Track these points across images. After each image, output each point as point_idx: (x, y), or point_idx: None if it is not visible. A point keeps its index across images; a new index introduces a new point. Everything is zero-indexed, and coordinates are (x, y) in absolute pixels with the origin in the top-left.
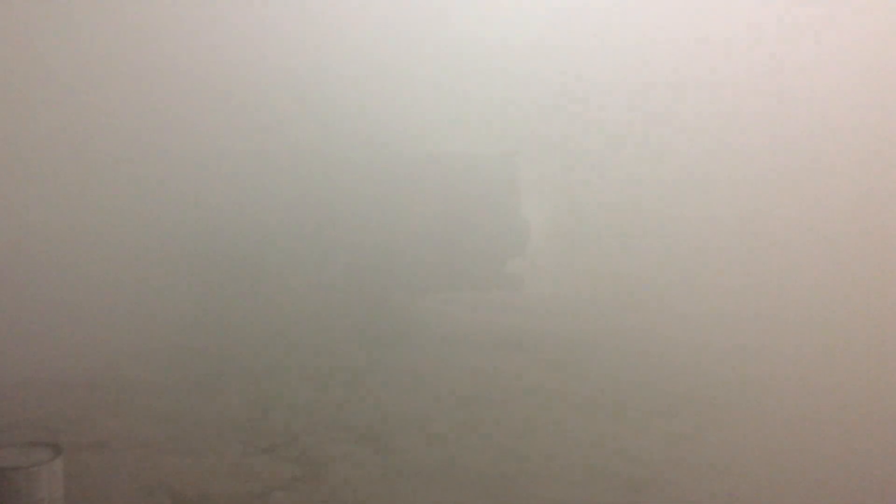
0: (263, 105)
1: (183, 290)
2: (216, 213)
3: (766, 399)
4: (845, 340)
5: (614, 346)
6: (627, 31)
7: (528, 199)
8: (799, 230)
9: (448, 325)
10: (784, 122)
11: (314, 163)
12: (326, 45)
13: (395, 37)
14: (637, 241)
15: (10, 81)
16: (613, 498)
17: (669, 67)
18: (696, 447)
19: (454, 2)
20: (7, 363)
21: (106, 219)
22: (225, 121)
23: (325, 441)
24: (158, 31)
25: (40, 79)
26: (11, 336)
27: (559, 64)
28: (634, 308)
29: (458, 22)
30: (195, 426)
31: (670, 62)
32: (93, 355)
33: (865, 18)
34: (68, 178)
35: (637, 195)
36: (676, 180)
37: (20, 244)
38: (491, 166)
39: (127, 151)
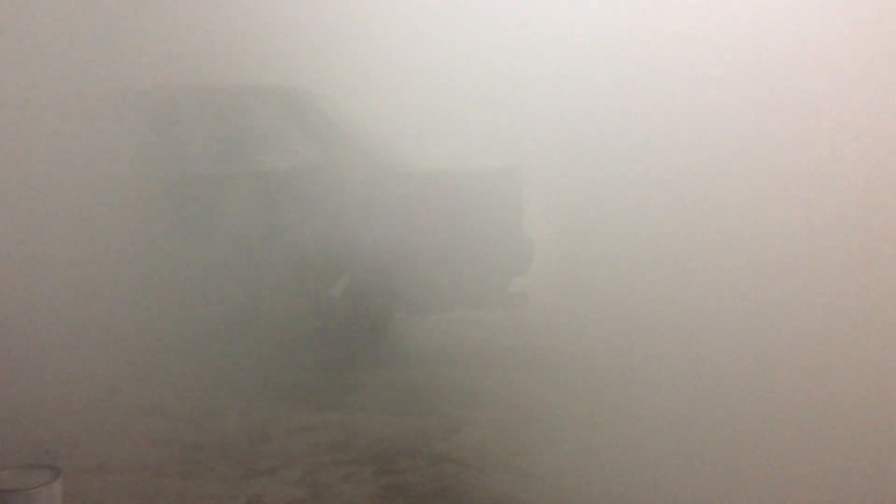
0: (260, 117)
1: (182, 314)
2: (215, 232)
3: (780, 414)
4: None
5: (622, 364)
6: (639, 46)
7: (532, 216)
8: (820, 252)
9: (451, 345)
10: (812, 161)
11: (314, 180)
12: (325, 59)
13: (394, 49)
14: (645, 257)
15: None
16: None
17: (682, 83)
18: (705, 465)
19: (457, 16)
20: (6, 385)
21: (104, 241)
22: (219, 135)
23: (327, 462)
24: (155, 35)
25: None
26: (11, 359)
27: (565, 79)
28: (642, 326)
29: (458, 34)
30: (195, 449)
31: (684, 77)
32: (91, 379)
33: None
34: (73, 206)
35: (645, 211)
36: (686, 196)
37: (20, 266)
38: (493, 182)
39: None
